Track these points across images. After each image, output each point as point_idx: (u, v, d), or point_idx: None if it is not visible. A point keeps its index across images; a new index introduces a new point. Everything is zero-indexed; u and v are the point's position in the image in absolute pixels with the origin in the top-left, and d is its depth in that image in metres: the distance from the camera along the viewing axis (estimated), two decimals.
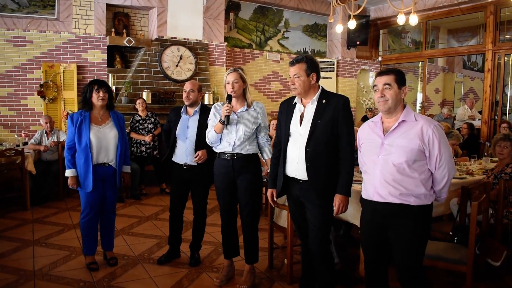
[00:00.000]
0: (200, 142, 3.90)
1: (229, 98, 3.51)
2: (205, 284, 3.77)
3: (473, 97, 13.30)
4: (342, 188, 2.95)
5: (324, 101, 2.97)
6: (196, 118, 4.00)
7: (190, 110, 4.05)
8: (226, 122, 3.47)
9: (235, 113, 3.55)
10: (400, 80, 2.65)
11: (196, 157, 3.88)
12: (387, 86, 2.65)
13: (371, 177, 2.76)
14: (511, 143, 4.45)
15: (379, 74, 2.73)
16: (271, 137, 6.45)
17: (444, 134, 2.67)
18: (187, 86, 4.00)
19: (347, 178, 2.95)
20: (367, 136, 2.82)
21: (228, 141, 3.55)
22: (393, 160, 2.63)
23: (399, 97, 2.66)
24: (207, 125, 3.76)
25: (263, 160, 5.58)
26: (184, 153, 3.99)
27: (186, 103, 4.02)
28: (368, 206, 2.82)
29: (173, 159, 4.09)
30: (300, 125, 3.01)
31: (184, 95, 3.99)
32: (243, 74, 3.54)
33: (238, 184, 3.61)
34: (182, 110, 4.08)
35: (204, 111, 4.00)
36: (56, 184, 6.66)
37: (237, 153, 3.54)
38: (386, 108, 2.68)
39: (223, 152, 3.59)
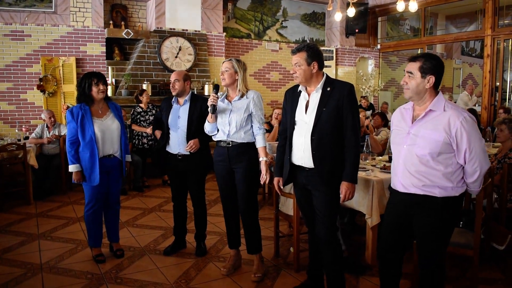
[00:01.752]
0: (192, 131, 3.94)
1: (216, 88, 3.58)
2: (212, 274, 3.78)
3: (471, 83, 13.29)
4: (348, 175, 2.95)
5: (328, 89, 2.96)
6: (186, 108, 4.02)
7: (181, 100, 4.07)
8: (211, 111, 3.53)
9: (230, 102, 3.58)
10: (426, 69, 2.51)
11: (187, 147, 3.91)
12: (409, 74, 2.57)
13: (395, 167, 2.73)
14: (507, 126, 4.48)
15: (408, 59, 2.63)
16: (272, 126, 6.51)
17: (476, 126, 2.50)
18: (172, 77, 4.04)
19: (353, 165, 2.95)
20: (397, 123, 2.76)
21: (223, 130, 3.59)
22: (417, 151, 2.55)
23: (421, 86, 2.54)
24: (198, 114, 3.89)
25: (266, 150, 5.63)
26: (177, 143, 4.01)
27: (173, 93, 4.04)
28: (393, 194, 2.78)
29: (167, 149, 4.09)
30: (306, 113, 3.01)
31: (170, 85, 4.04)
32: (236, 63, 3.53)
33: (235, 172, 3.64)
34: (173, 100, 4.10)
35: (195, 100, 4.03)
36: (59, 178, 6.66)
37: (232, 141, 3.57)
38: (408, 97, 2.63)
39: (219, 141, 3.65)
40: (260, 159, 3.56)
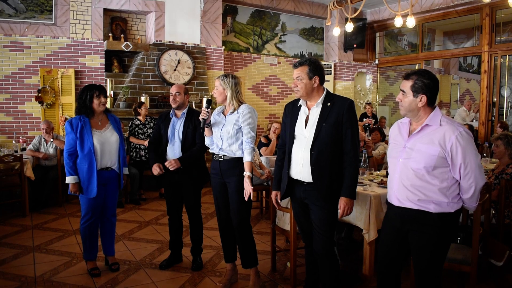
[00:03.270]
0: (187, 144, 3.98)
1: (208, 102, 3.61)
2: None
3: (469, 98, 13.35)
4: (347, 191, 2.94)
5: (329, 104, 2.97)
6: (182, 121, 4.06)
7: (178, 113, 4.11)
8: (202, 125, 3.57)
9: (225, 116, 3.60)
10: (418, 88, 2.52)
11: (167, 163, 3.93)
12: (402, 92, 2.59)
13: (391, 180, 2.72)
14: (502, 142, 4.49)
15: (402, 77, 2.65)
16: (270, 140, 6.50)
17: (472, 142, 2.50)
18: (173, 89, 4.06)
19: (352, 181, 2.95)
20: (394, 136, 2.76)
21: (217, 144, 3.62)
22: (412, 165, 2.56)
23: (413, 105, 2.55)
24: (192, 128, 3.96)
25: (263, 164, 5.62)
26: (172, 155, 4.03)
27: (173, 105, 4.07)
28: (389, 208, 2.78)
29: (165, 163, 4.08)
30: (305, 127, 3.01)
31: (171, 98, 4.06)
32: (223, 80, 3.56)
33: (227, 186, 3.64)
34: (171, 113, 4.13)
35: (191, 114, 4.07)
36: (55, 190, 6.62)
37: (224, 155, 3.59)
38: (402, 114, 2.65)
39: (213, 154, 3.68)
40: (244, 173, 3.48)
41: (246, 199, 3.48)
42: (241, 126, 3.54)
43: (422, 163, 2.51)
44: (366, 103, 10.87)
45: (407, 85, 2.56)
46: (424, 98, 2.53)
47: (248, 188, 3.43)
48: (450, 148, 2.46)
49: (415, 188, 2.55)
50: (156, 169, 3.99)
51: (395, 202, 2.67)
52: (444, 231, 2.56)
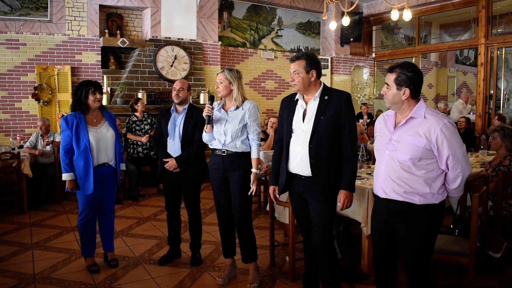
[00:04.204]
0: (186, 140, 3.99)
1: (211, 98, 3.61)
2: (207, 284, 3.76)
3: (466, 91, 13.37)
4: (346, 184, 2.95)
5: (326, 98, 2.97)
6: (183, 117, 4.05)
7: (179, 108, 4.10)
8: (207, 122, 3.57)
9: (226, 112, 3.60)
10: (401, 81, 2.55)
11: (166, 165, 3.98)
12: (387, 85, 2.62)
13: (377, 172, 2.75)
14: (499, 134, 4.51)
15: (387, 70, 2.68)
16: (268, 135, 6.50)
17: (456, 132, 2.53)
18: (177, 85, 4.06)
19: (351, 174, 2.96)
20: (380, 129, 2.79)
21: (219, 140, 3.61)
22: (398, 157, 2.58)
23: (397, 98, 2.58)
24: (193, 124, 3.95)
25: (261, 159, 5.62)
26: (173, 151, 4.03)
27: (175, 101, 4.06)
28: (376, 200, 2.81)
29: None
30: (303, 121, 3.01)
31: (174, 93, 4.05)
32: (229, 74, 3.55)
33: (229, 181, 3.64)
34: (172, 108, 4.12)
35: (191, 110, 4.07)
36: (53, 187, 6.62)
37: (227, 150, 3.58)
38: (387, 106, 2.69)
39: (214, 149, 3.67)
40: (251, 169, 3.56)
41: (249, 194, 3.55)
42: (247, 122, 3.55)
43: (408, 155, 2.54)
44: (361, 104, 10.85)
45: (390, 78, 2.59)
46: (407, 91, 2.55)
47: (253, 186, 3.53)
48: (435, 140, 2.48)
49: (401, 180, 2.58)
50: (172, 164, 3.96)
51: (381, 194, 2.70)
52: (430, 223, 2.60)
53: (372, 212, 2.89)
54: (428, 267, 2.66)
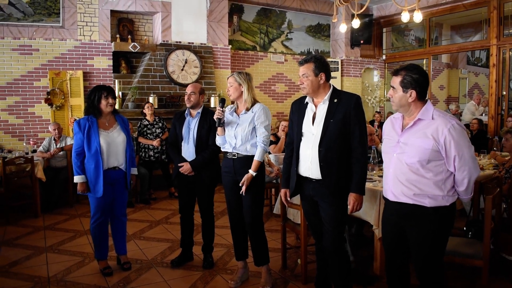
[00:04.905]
0: (201, 144, 4.00)
1: (222, 101, 3.64)
2: (220, 286, 3.77)
3: (478, 92, 13.25)
4: (356, 187, 2.95)
5: (335, 100, 2.98)
6: (197, 120, 4.07)
7: (193, 112, 4.12)
8: (217, 124, 3.61)
9: (238, 115, 3.62)
10: (406, 83, 2.54)
11: (181, 169, 4.00)
12: (392, 88, 2.62)
13: (386, 176, 2.74)
14: None
15: (392, 73, 2.67)
16: (278, 138, 6.51)
17: (464, 134, 2.52)
18: (188, 89, 4.08)
19: (361, 176, 2.95)
20: (388, 132, 2.79)
21: (230, 143, 3.63)
22: (406, 160, 2.57)
23: (403, 100, 2.57)
24: (207, 127, 3.97)
25: (272, 162, 5.63)
26: (187, 154, 4.06)
27: (187, 105, 4.09)
28: (386, 203, 2.80)
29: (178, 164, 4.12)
30: (313, 124, 3.02)
31: (186, 97, 4.08)
32: (238, 76, 3.57)
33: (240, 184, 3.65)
34: (186, 112, 4.14)
35: (205, 113, 4.08)
36: (66, 191, 6.68)
37: (238, 153, 3.60)
38: (394, 109, 2.68)
39: (226, 152, 3.69)
40: (249, 170, 3.52)
41: (241, 193, 3.54)
42: (256, 125, 3.55)
43: (416, 157, 2.53)
44: (376, 112, 10.79)
45: (396, 81, 2.58)
46: (413, 93, 2.54)
47: (243, 187, 3.51)
48: (443, 141, 2.47)
49: (410, 182, 2.56)
50: (186, 168, 3.98)
51: (391, 197, 2.69)
52: (441, 225, 2.58)
53: (383, 215, 2.88)
54: (439, 270, 2.64)
